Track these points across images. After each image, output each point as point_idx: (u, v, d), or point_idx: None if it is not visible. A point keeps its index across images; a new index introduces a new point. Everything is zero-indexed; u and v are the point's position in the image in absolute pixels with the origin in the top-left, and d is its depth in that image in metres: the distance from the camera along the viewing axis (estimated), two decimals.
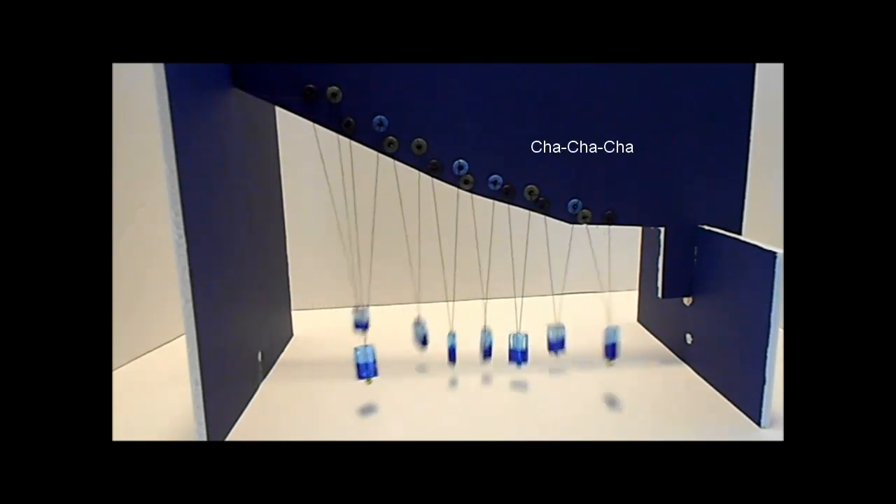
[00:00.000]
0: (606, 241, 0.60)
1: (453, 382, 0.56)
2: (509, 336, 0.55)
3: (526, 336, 0.55)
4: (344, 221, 0.64)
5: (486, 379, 0.56)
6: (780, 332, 0.45)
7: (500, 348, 0.56)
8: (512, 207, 0.54)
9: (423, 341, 0.57)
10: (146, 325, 0.64)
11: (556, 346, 0.57)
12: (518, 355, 0.55)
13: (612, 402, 0.51)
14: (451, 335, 0.56)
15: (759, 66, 0.52)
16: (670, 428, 0.46)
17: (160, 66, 0.37)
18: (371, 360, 0.52)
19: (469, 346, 0.57)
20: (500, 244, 0.61)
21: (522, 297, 0.60)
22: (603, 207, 0.54)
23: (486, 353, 0.56)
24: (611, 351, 0.56)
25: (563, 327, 0.57)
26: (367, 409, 0.50)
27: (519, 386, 0.54)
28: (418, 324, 0.57)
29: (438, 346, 0.56)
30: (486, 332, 0.56)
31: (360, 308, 0.57)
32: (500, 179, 0.52)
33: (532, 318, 0.59)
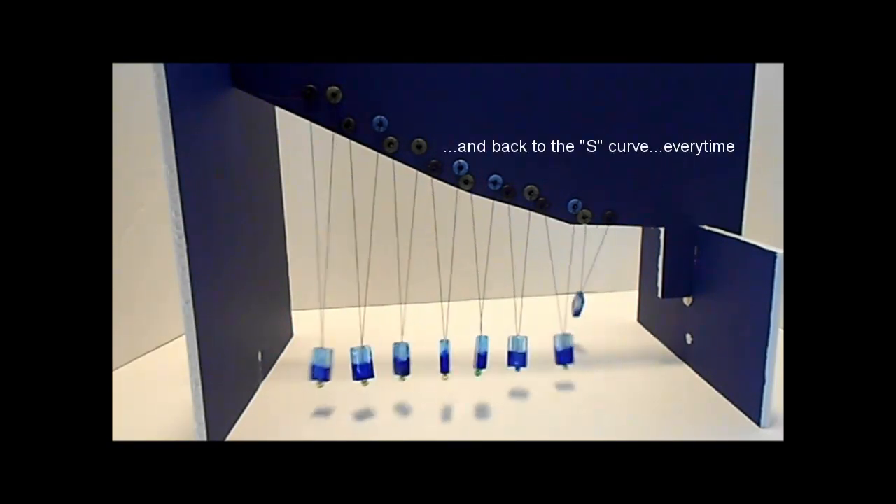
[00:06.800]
0: (606, 241, 0.60)
1: (452, 383, 0.55)
2: (508, 338, 0.54)
3: (525, 339, 0.54)
4: (344, 221, 0.64)
5: (486, 379, 0.56)
6: (780, 332, 0.45)
7: (500, 349, 0.56)
8: (512, 207, 0.54)
9: (404, 369, 0.52)
10: (146, 325, 0.64)
11: (564, 357, 0.54)
12: (517, 359, 0.53)
13: (612, 402, 0.51)
14: (444, 342, 0.53)
15: (759, 66, 0.52)
16: (670, 428, 0.46)
17: (160, 66, 0.37)
18: (368, 360, 0.51)
19: (469, 346, 0.57)
20: (500, 244, 0.61)
21: (522, 297, 0.60)
22: (603, 207, 0.54)
23: (481, 363, 0.53)
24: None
25: (570, 336, 0.54)
26: (367, 410, 0.50)
27: (518, 386, 0.54)
28: (400, 346, 0.52)
29: (438, 346, 0.56)
30: (481, 339, 0.53)
31: (322, 349, 0.51)
32: (500, 179, 0.52)
33: (532, 317, 0.59)
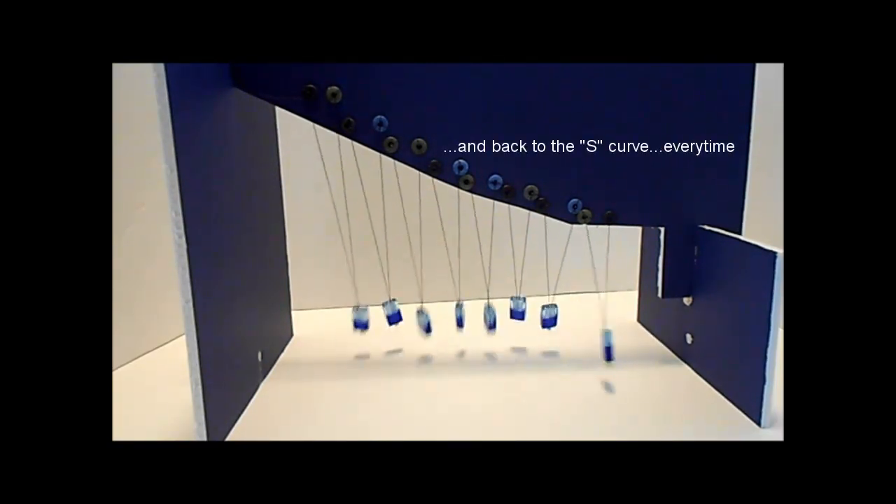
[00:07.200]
0: (606, 241, 0.60)
1: (452, 383, 0.56)
2: (511, 299, 0.59)
3: (524, 298, 0.60)
4: (344, 221, 0.64)
5: (486, 379, 0.56)
6: (780, 332, 0.45)
7: (501, 349, 0.56)
8: (512, 207, 0.54)
9: (427, 328, 0.60)
10: (146, 325, 0.64)
11: (549, 322, 0.60)
12: (518, 315, 0.60)
13: (612, 402, 0.51)
14: (459, 306, 0.60)
15: (759, 66, 0.52)
16: (670, 428, 0.46)
17: (160, 66, 0.37)
18: (396, 310, 0.60)
19: (469, 346, 0.57)
20: (500, 244, 0.61)
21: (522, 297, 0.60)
22: (603, 207, 0.54)
23: (492, 325, 0.60)
24: (607, 353, 0.57)
25: (555, 306, 0.60)
26: (367, 410, 0.50)
27: (518, 386, 0.54)
28: (421, 313, 0.60)
29: (439, 346, 0.56)
30: (489, 308, 0.60)
31: (360, 307, 0.57)
32: (500, 179, 0.52)
33: (532, 317, 0.59)
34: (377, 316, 0.60)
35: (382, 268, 0.62)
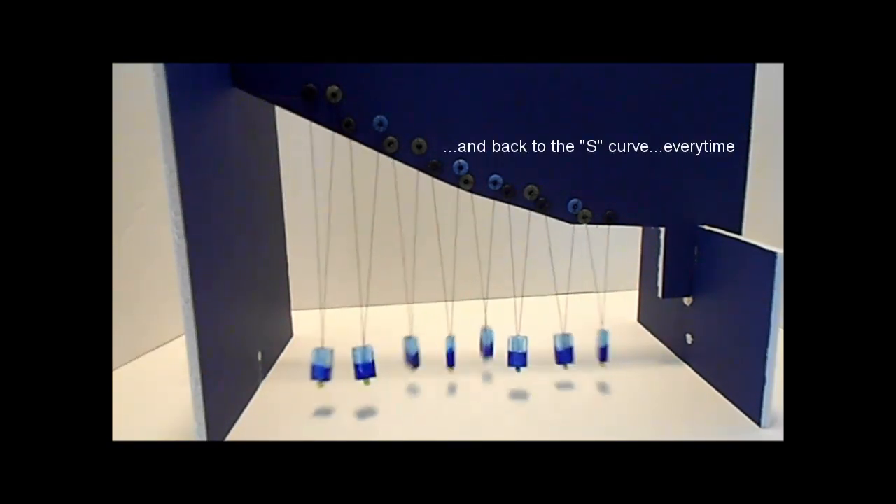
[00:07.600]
0: (606, 241, 0.60)
1: (453, 383, 0.56)
2: (508, 339, 0.54)
3: (525, 339, 0.54)
4: (344, 221, 0.64)
5: (486, 379, 0.56)
6: (780, 332, 0.45)
7: (500, 348, 0.56)
8: (512, 207, 0.54)
9: (415, 361, 0.54)
10: (146, 325, 0.64)
11: (565, 356, 0.54)
12: (517, 359, 0.53)
13: (612, 402, 0.51)
14: (450, 338, 0.55)
15: (759, 66, 0.52)
16: (670, 428, 0.46)
17: (160, 66, 0.37)
18: (370, 360, 0.51)
19: (469, 346, 0.57)
20: (500, 244, 0.61)
21: (522, 297, 0.60)
22: (603, 207, 0.54)
23: (488, 351, 0.55)
24: (602, 354, 0.56)
25: (570, 335, 0.54)
26: (367, 410, 0.50)
27: (518, 386, 0.54)
28: (410, 338, 0.54)
29: (438, 347, 0.56)
30: (486, 331, 0.55)
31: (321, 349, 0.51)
32: (500, 179, 0.52)
33: (532, 318, 0.59)
34: (378, 314, 0.60)
35: (376, 268, 0.62)
